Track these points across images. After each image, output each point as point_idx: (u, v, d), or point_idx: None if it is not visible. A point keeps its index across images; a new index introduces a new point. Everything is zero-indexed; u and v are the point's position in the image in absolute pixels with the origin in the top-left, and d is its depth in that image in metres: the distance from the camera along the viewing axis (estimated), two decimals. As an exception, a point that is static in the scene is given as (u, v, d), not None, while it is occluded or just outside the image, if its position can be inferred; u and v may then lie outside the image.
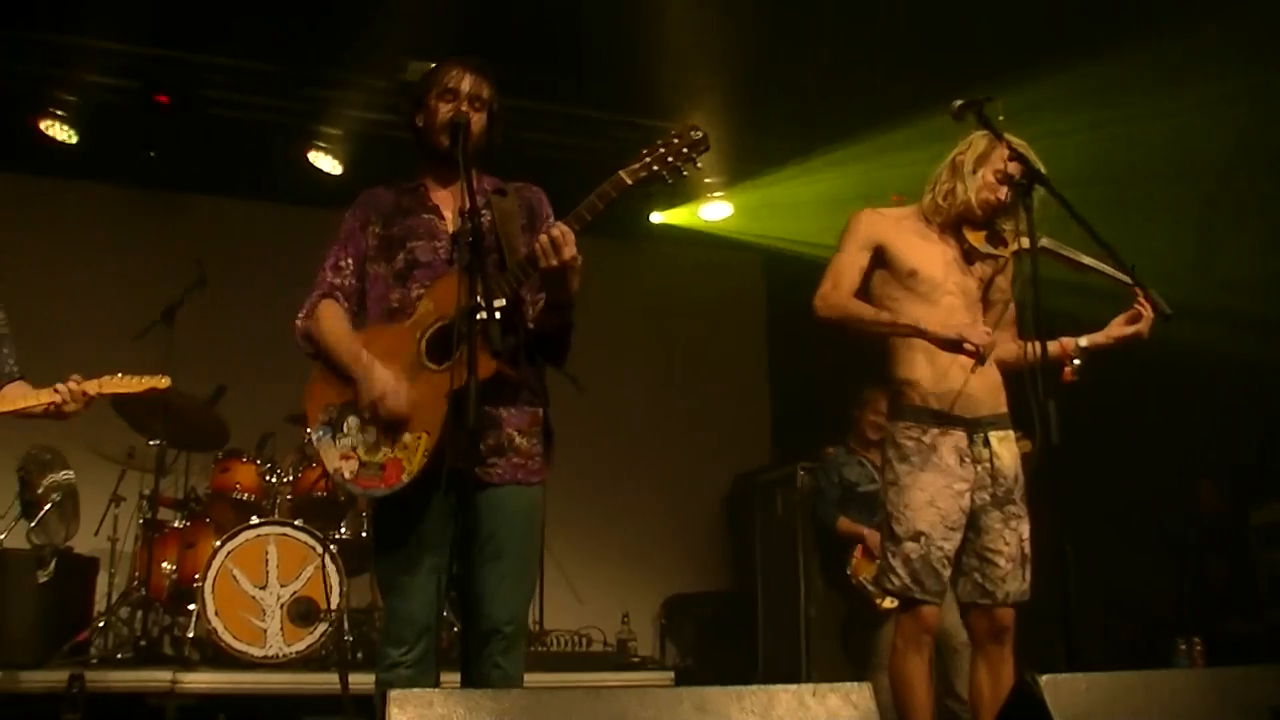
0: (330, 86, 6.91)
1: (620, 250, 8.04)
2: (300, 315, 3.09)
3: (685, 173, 2.94)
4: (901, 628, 3.52)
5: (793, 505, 6.95)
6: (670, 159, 2.90)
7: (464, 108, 3.05)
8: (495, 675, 2.89)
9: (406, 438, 2.89)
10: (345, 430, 2.97)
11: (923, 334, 3.46)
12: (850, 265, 3.61)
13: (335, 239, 3.17)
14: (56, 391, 3.49)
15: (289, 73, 6.86)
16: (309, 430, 3.05)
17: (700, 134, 2.92)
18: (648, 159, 2.91)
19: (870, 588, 5.36)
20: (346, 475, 2.95)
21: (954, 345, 3.40)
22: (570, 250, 2.82)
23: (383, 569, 3.06)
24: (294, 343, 3.12)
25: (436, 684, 2.92)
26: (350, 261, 3.12)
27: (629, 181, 2.89)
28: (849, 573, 5.54)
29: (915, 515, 3.46)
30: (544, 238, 2.82)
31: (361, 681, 4.70)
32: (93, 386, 3.50)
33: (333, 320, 3.05)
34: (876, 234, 3.63)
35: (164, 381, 3.70)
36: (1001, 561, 3.51)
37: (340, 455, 2.96)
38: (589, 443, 7.66)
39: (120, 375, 3.63)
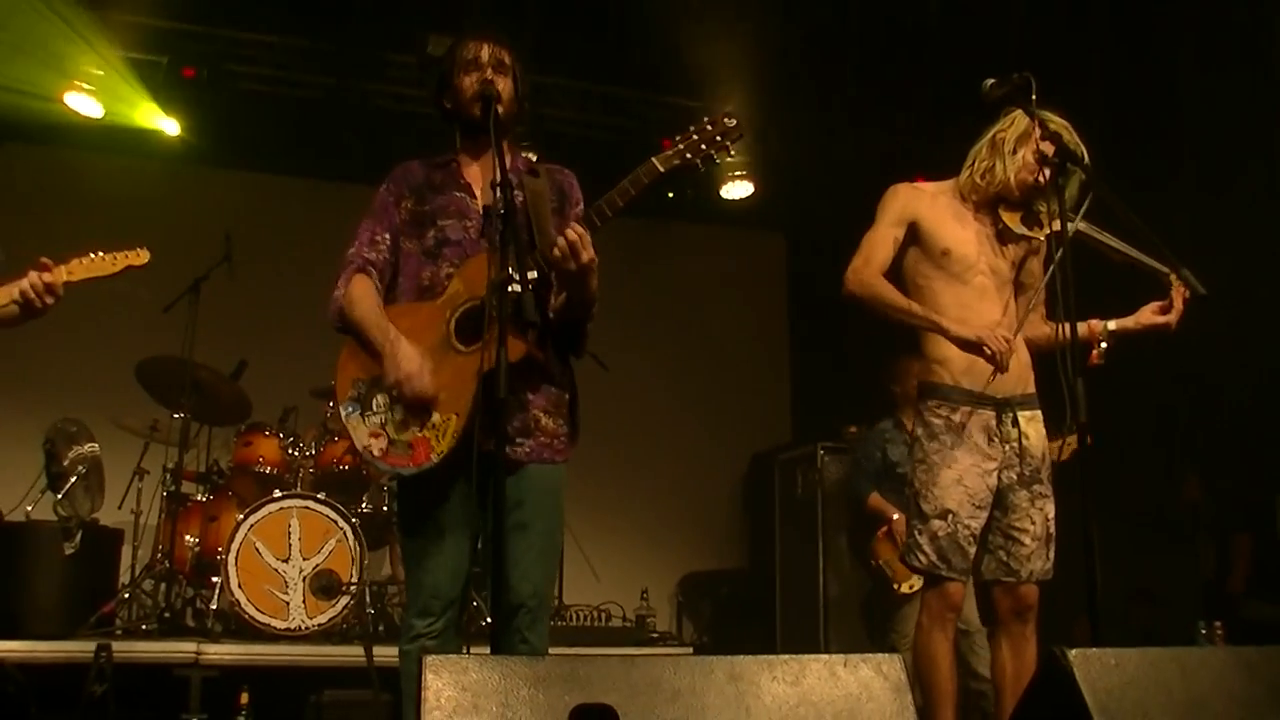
0: (355, 61, 6.90)
1: (642, 228, 8.04)
2: (336, 289, 3.08)
3: (718, 160, 2.94)
4: (927, 605, 3.52)
5: (813, 485, 6.95)
6: (704, 146, 2.91)
7: (489, 75, 3.05)
8: (522, 650, 2.91)
9: (435, 418, 2.90)
10: (374, 408, 2.97)
11: (942, 331, 3.46)
12: (883, 240, 3.60)
13: (369, 213, 3.16)
14: (19, 287, 3.11)
15: (315, 47, 6.86)
16: (339, 404, 3.05)
17: (734, 121, 2.92)
18: (680, 146, 2.92)
19: (888, 571, 5.33)
20: (376, 453, 2.96)
21: (973, 347, 3.41)
22: (587, 253, 2.81)
23: (407, 544, 3.07)
24: (317, 317, 3.14)
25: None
26: (386, 236, 3.11)
27: (661, 169, 2.89)
28: (870, 553, 5.50)
29: (944, 493, 3.46)
30: (561, 241, 2.80)
31: (380, 654, 4.76)
32: (59, 274, 3.24)
33: (364, 295, 3.04)
34: (912, 210, 3.61)
35: (142, 256, 3.44)
36: (1027, 540, 3.51)
37: (369, 433, 2.96)
38: (609, 420, 7.65)
39: (94, 254, 3.38)
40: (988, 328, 3.45)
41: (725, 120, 2.92)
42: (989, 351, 3.38)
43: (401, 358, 2.90)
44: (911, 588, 5.15)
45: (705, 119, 2.94)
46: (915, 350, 3.70)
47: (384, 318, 3.00)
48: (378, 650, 4.81)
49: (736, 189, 7.84)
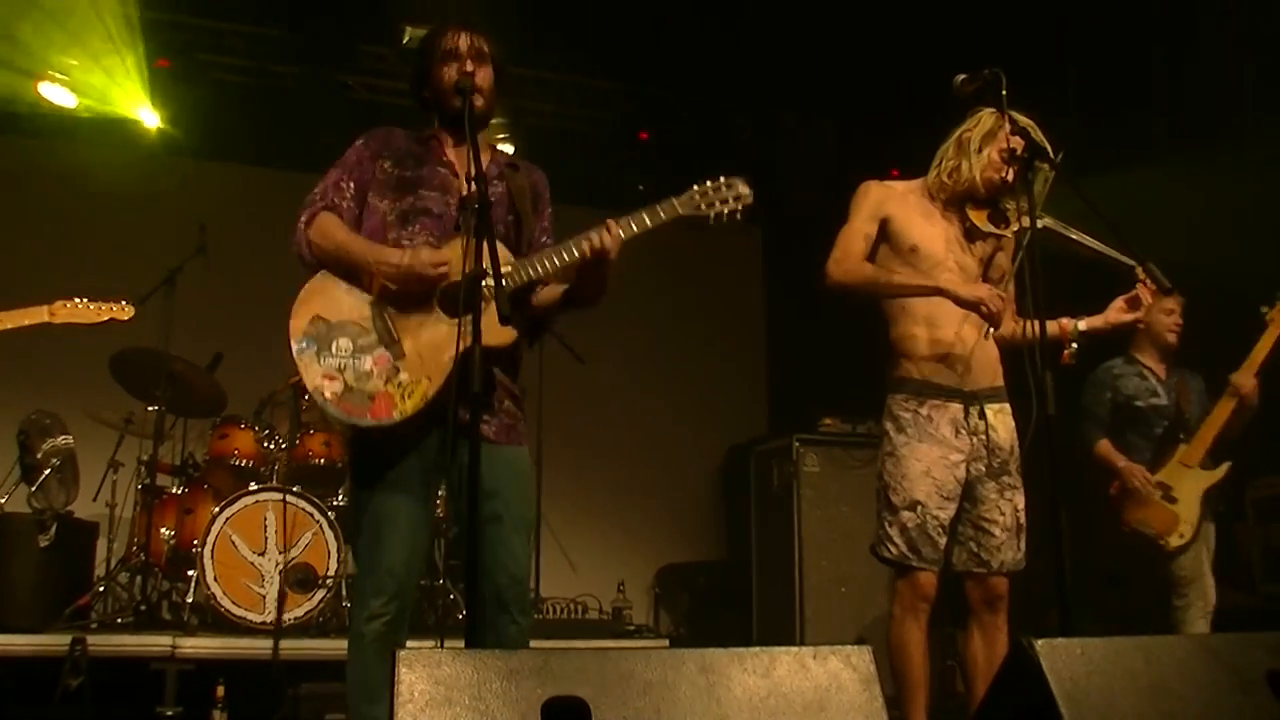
0: (332, 51, 6.88)
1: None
2: (300, 221, 3.05)
3: (726, 223, 3.02)
4: (899, 595, 3.56)
5: (788, 476, 6.98)
6: (719, 205, 2.99)
7: (468, 66, 3.05)
8: (513, 631, 2.91)
9: (403, 376, 2.88)
10: (334, 350, 2.90)
11: (944, 293, 3.49)
12: (858, 235, 3.64)
13: (339, 162, 3.15)
14: None
15: (290, 38, 6.84)
16: (291, 340, 2.92)
17: (749, 191, 3.02)
18: (699, 198, 3.00)
19: (1146, 530, 4.83)
20: (327, 395, 2.86)
21: (972, 306, 3.45)
22: (614, 255, 2.91)
23: (363, 520, 2.98)
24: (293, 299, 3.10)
25: (403, 644, 2.82)
26: (352, 186, 3.09)
27: (681, 212, 2.99)
28: (1118, 517, 4.94)
29: (912, 485, 3.51)
30: (608, 236, 2.88)
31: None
32: (40, 315, 3.24)
33: (340, 226, 3.02)
34: (884, 207, 3.66)
35: (126, 311, 3.43)
36: (997, 531, 3.56)
37: (323, 374, 2.87)
38: (586, 412, 7.71)
39: (78, 301, 3.36)
40: (986, 288, 3.52)
41: (742, 187, 3.01)
42: (986, 310, 3.42)
43: (411, 251, 2.93)
44: (1183, 537, 4.78)
45: (724, 179, 3.03)
46: (888, 341, 3.73)
47: (370, 241, 3.01)
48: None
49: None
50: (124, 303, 3.37)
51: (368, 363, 2.90)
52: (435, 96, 3.12)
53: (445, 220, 3.04)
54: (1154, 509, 4.84)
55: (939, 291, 3.50)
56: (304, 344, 2.91)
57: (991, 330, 3.47)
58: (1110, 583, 6.53)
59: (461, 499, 2.75)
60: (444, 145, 3.17)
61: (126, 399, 6.13)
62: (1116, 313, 3.63)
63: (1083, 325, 3.62)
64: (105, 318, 3.36)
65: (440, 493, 3.61)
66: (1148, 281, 3.51)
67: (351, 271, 2.98)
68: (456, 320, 2.88)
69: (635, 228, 2.95)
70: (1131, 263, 3.47)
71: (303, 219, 3.05)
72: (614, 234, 2.89)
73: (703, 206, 2.99)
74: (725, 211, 2.99)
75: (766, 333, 9.31)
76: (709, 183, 3.02)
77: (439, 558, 5.90)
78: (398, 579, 2.91)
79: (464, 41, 3.09)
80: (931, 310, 3.57)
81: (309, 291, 2.99)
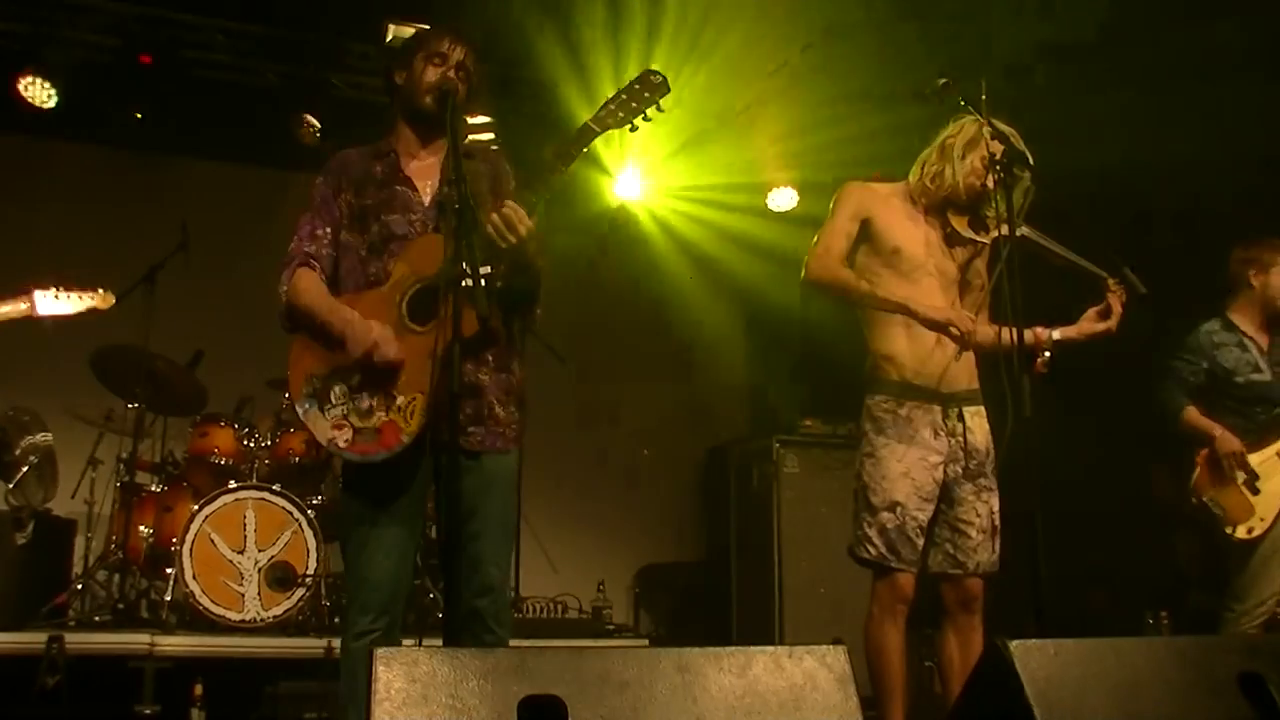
0: (314, 50, 6.87)
1: (597, 220, 8.05)
2: (281, 287, 3.07)
3: (649, 116, 2.94)
4: (877, 596, 3.58)
5: (768, 478, 7.01)
6: (633, 104, 2.92)
7: (452, 74, 3.06)
8: (488, 640, 2.92)
9: (400, 400, 2.89)
10: (333, 400, 2.95)
11: (911, 313, 3.52)
12: (840, 233, 3.66)
13: (308, 206, 3.15)
14: None
15: (272, 35, 6.82)
16: (294, 403, 3.02)
17: (660, 78, 2.94)
18: (611, 105, 2.93)
19: (1216, 509, 4.54)
20: (341, 444, 2.93)
21: (940, 327, 3.47)
22: (524, 226, 2.82)
23: (352, 534, 3.02)
24: (274, 308, 3.10)
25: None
26: (327, 230, 3.11)
27: (596, 129, 2.91)
28: (1189, 489, 4.64)
29: (891, 486, 3.53)
30: (496, 218, 2.82)
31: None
32: (17, 305, 3.20)
33: (310, 285, 3.04)
34: (866, 207, 3.68)
35: (107, 299, 3.39)
36: (973, 533, 3.59)
37: (332, 425, 2.94)
38: (567, 412, 7.72)
39: (56, 290, 3.31)
40: (954, 308, 3.54)
41: (652, 77, 2.94)
42: (956, 332, 3.45)
43: (364, 329, 2.90)
44: (1251, 531, 4.47)
45: (633, 79, 2.96)
46: (868, 343, 3.75)
47: (335, 301, 3.00)
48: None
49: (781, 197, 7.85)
50: (102, 291, 3.33)
51: (365, 400, 2.93)
52: (408, 90, 3.13)
53: (411, 239, 3.04)
54: (1232, 491, 4.52)
55: (907, 311, 3.52)
56: (306, 405, 2.99)
57: (960, 352, 3.49)
58: (1095, 585, 6.57)
59: (443, 504, 2.78)
60: (400, 159, 3.16)
61: (106, 396, 6.11)
62: (1089, 323, 3.68)
63: (1056, 334, 3.66)
64: (85, 307, 3.31)
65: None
66: (1119, 292, 3.56)
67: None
68: (428, 328, 2.88)
69: (562, 168, 2.90)
70: (1103, 274, 3.51)
71: (284, 280, 3.07)
72: (505, 214, 2.82)
73: (620, 114, 2.91)
74: (644, 108, 2.92)
75: (747, 333, 9.31)
76: (620, 90, 2.95)
77: (419, 558, 5.89)
78: (385, 596, 2.94)
79: (458, 52, 3.11)
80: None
81: (296, 354, 3.05)
